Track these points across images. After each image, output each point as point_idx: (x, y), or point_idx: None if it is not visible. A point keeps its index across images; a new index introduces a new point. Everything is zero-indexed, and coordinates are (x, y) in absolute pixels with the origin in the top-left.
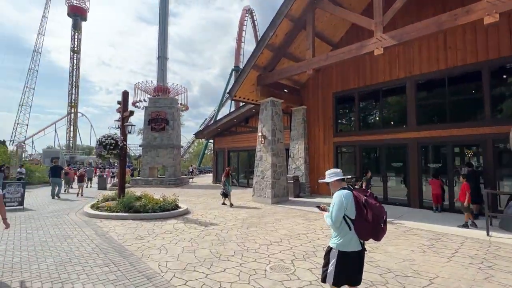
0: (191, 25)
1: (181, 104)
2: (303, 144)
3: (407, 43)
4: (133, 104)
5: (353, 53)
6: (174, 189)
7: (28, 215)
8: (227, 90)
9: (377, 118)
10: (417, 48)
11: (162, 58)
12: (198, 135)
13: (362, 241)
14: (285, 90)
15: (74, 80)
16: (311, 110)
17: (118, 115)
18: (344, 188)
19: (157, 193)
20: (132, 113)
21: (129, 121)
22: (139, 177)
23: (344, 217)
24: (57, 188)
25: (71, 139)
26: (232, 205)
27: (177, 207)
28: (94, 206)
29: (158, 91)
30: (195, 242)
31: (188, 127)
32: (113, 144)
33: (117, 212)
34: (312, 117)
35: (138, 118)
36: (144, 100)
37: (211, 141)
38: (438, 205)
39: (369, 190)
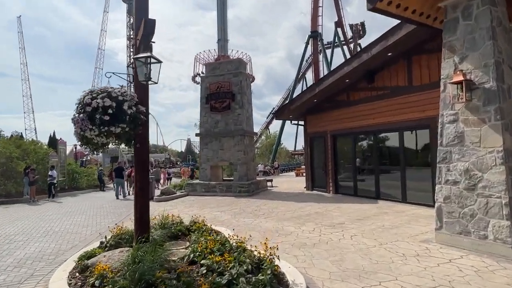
0: (250, 4)
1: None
2: None
3: None
4: (193, 79)
5: None
6: (249, 200)
7: None
8: (302, 67)
9: None
10: None
11: (223, 40)
12: (279, 113)
13: None
14: None
15: (132, 72)
16: None
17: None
18: None
19: (223, 210)
20: (151, 29)
21: (148, 51)
22: (197, 181)
23: None
24: (121, 188)
25: None
26: None
27: (276, 280)
28: (79, 267)
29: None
30: None
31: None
32: (112, 109)
33: None
34: None
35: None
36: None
37: (300, 123)
38: None
39: None
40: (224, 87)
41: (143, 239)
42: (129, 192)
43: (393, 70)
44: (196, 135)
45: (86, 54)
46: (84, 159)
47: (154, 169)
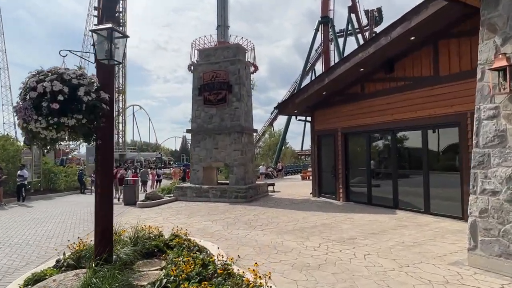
0: None
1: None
2: None
3: None
4: (189, 68)
5: None
6: (246, 208)
7: None
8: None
9: None
10: None
11: (223, 27)
12: (283, 108)
13: None
14: None
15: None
16: None
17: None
18: None
19: (215, 220)
20: None
21: (110, 22)
22: (187, 184)
23: None
24: None
25: (121, 133)
26: None
27: None
28: None
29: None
30: None
31: (255, 116)
32: (63, 95)
33: None
34: None
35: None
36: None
37: (307, 118)
38: None
39: None
40: (219, 76)
41: (101, 261)
42: (114, 196)
43: (416, 57)
44: (187, 131)
45: (71, 39)
46: (65, 158)
47: (142, 170)
